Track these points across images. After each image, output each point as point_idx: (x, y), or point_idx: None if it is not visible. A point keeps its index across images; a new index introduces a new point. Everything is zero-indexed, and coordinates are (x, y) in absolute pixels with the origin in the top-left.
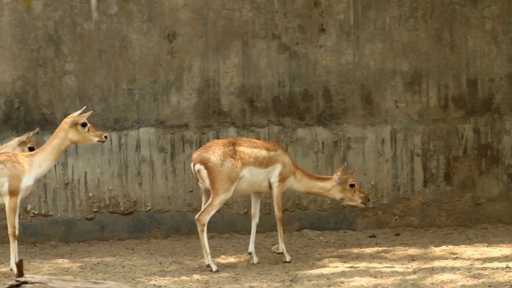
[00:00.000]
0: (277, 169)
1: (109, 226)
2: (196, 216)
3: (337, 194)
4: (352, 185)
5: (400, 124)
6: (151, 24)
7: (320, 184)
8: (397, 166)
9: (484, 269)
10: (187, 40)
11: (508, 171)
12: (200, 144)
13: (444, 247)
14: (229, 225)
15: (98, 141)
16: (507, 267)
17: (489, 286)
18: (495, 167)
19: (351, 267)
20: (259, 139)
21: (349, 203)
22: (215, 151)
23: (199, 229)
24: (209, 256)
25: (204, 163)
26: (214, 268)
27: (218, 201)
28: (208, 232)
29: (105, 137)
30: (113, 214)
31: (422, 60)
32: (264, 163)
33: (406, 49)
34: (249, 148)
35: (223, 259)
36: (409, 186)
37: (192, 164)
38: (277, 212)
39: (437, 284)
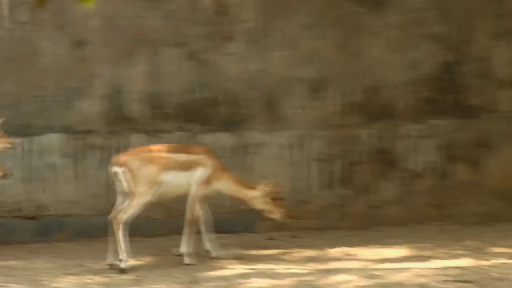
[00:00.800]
0: (199, 172)
1: (13, 230)
2: (113, 215)
3: (258, 205)
4: (273, 199)
5: (302, 129)
6: (62, 32)
7: (245, 191)
8: (298, 170)
9: (378, 269)
10: (97, 48)
11: (403, 176)
12: (108, 150)
13: (339, 248)
14: (131, 229)
15: (9, 147)
16: (397, 267)
17: (382, 286)
18: (391, 172)
19: (249, 268)
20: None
21: (269, 215)
22: (134, 156)
23: (114, 227)
24: (125, 254)
25: (123, 166)
26: (124, 265)
27: (135, 203)
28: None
29: (17, 143)
30: (17, 219)
31: (327, 68)
32: (185, 167)
33: (312, 56)
34: (170, 153)
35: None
36: (308, 190)
37: (110, 167)
38: (188, 214)
39: (332, 285)
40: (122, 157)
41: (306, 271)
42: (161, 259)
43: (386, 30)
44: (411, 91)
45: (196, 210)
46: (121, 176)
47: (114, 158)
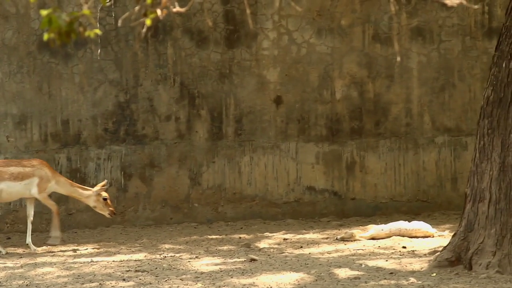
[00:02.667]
0: (34, 181)
1: None
2: None
3: (91, 203)
4: (105, 199)
5: (11, 154)
6: None
7: (80, 191)
8: None
9: (75, 263)
10: None
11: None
12: None
13: (44, 247)
14: None
15: None
16: (90, 260)
17: (78, 276)
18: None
19: None
20: None
21: (99, 211)
22: None
23: None
24: None
25: None
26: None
27: None
28: None
29: None
30: None
31: (28, 106)
32: (20, 177)
33: (15, 97)
34: (6, 167)
35: None
36: (18, 201)
37: None
38: (52, 208)
39: (39, 275)
40: None
41: (18, 265)
42: None
43: (73, 76)
44: (95, 123)
45: (52, 203)
46: None
47: None
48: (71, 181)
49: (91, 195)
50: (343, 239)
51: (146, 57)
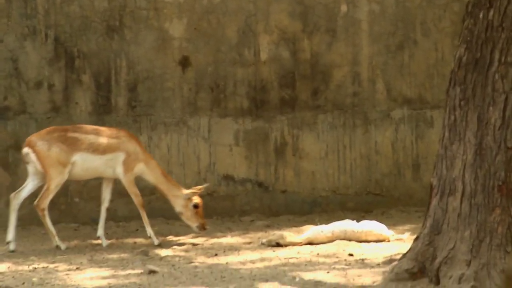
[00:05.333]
0: (119, 157)
1: None
2: (35, 202)
3: (178, 206)
4: (195, 206)
5: None
6: None
7: (170, 185)
8: None
9: None
10: None
11: None
12: None
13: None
14: None
15: None
16: None
17: None
18: None
19: None
20: None
21: (186, 220)
22: (44, 136)
23: (39, 214)
24: (56, 237)
25: (32, 146)
26: (63, 247)
27: (53, 185)
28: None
29: None
30: None
31: None
32: (100, 150)
33: None
34: (84, 134)
35: None
36: None
37: (23, 147)
38: (135, 199)
39: None
40: (32, 138)
41: None
42: None
43: None
44: None
45: (136, 192)
46: (32, 157)
47: (27, 139)
48: (162, 169)
49: (181, 195)
50: (270, 244)
51: (9, 4)
